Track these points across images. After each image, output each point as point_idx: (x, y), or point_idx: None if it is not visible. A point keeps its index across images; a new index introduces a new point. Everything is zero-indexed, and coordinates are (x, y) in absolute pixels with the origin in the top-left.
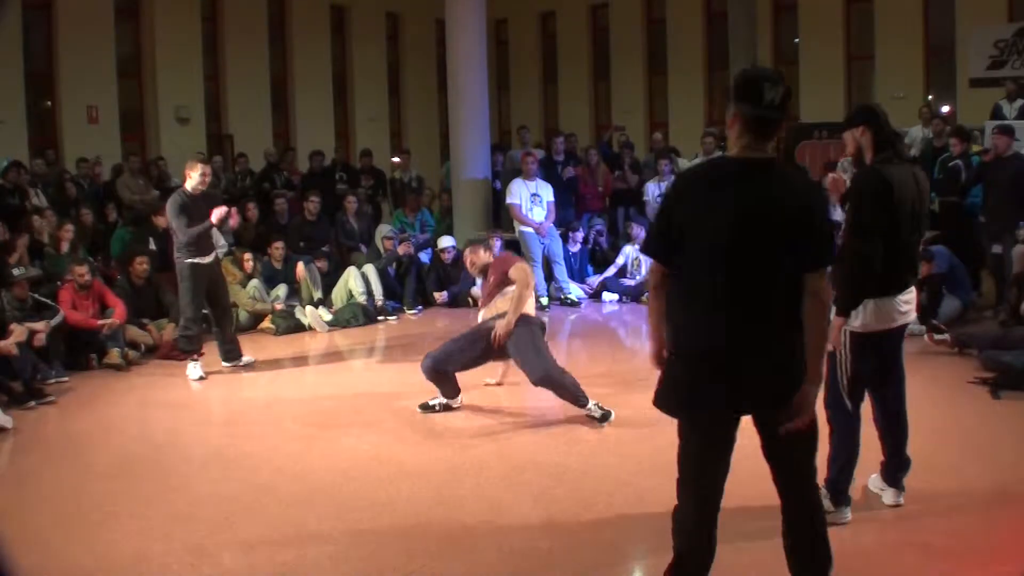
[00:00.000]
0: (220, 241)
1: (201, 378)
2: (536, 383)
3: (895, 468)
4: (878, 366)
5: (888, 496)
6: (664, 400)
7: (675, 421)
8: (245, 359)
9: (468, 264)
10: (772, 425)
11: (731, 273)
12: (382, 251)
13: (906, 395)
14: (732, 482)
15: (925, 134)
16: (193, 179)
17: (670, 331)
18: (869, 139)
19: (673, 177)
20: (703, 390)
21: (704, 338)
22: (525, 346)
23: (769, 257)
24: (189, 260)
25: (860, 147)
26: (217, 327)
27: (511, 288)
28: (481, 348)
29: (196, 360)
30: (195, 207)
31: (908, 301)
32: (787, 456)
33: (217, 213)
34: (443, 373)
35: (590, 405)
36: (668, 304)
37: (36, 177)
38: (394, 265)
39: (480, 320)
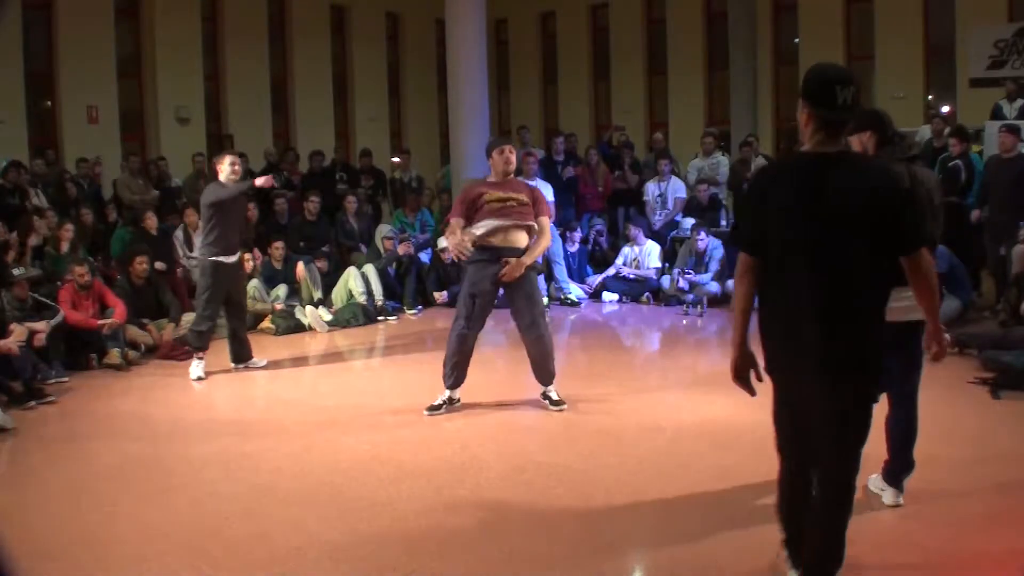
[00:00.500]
0: None
1: (200, 378)
2: (548, 338)
3: (899, 469)
4: (900, 362)
5: (888, 496)
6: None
7: (671, 420)
8: (255, 361)
9: (504, 160)
10: (840, 407)
11: (817, 265)
12: (382, 251)
13: (919, 399)
14: (734, 492)
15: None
16: (224, 171)
17: (761, 317)
18: (874, 143)
19: (673, 176)
20: (792, 375)
21: (791, 328)
22: (537, 294)
23: (853, 247)
24: (213, 258)
25: (866, 150)
26: (230, 327)
27: (523, 223)
28: (492, 292)
29: (200, 359)
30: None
31: (907, 296)
32: (836, 443)
33: (261, 180)
34: (471, 346)
35: (554, 386)
36: (759, 293)
37: (36, 177)
38: (394, 265)
39: (479, 233)
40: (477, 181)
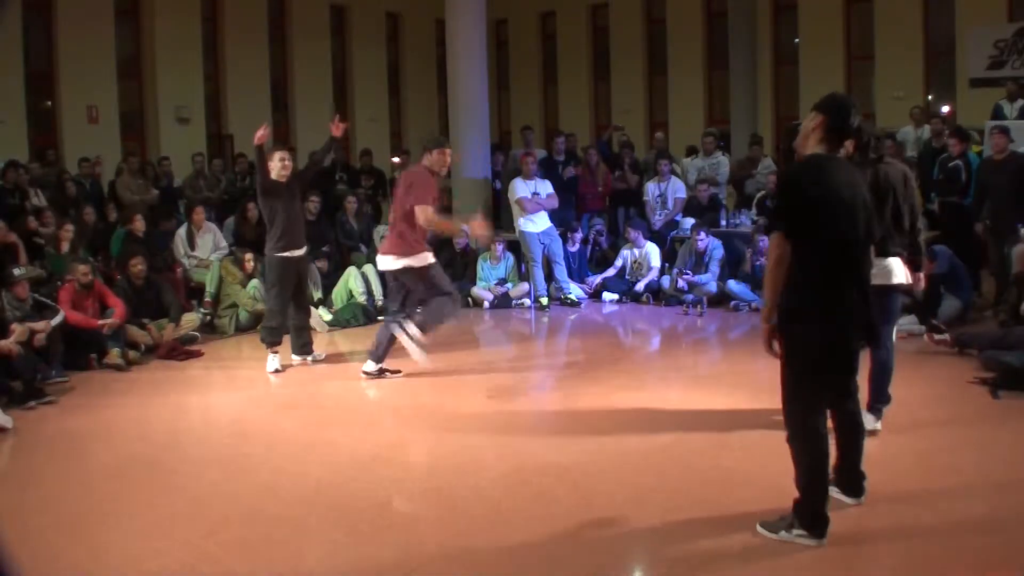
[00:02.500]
0: (222, 243)
1: (277, 371)
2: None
3: (880, 401)
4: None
5: (870, 422)
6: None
7: (671, 420)
8: (317, 355)
9: (444, 161)
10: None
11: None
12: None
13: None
14: (734, 491)
15: (918, 134)
16: (274, 168)
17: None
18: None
19: (673, 176)
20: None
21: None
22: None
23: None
24: (278, 254)
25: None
26: (295, 321)
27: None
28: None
29: (276, 353)
30: (279, 191)
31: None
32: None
33: (258, 135)
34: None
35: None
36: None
37: (35, 178)
38: None
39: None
40: (428, 171)
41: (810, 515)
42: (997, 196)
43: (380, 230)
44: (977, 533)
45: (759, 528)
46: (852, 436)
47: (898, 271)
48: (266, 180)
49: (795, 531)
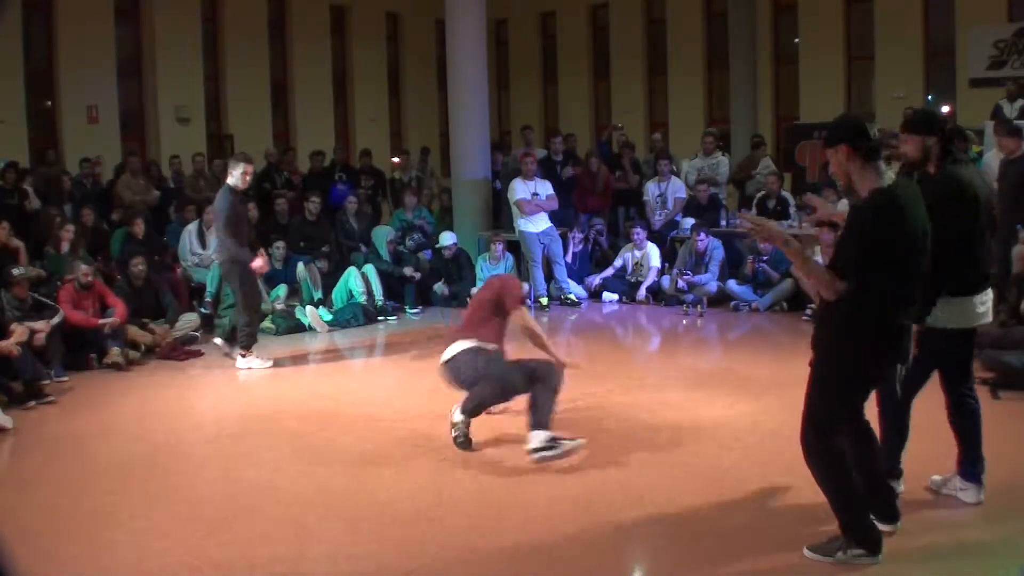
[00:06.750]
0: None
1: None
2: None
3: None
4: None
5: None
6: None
7: (671, 420)
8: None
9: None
10: None
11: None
12: (385, 255)
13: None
14: (733, 492)
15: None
16: (234, 177)
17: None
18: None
19: (673, 176)
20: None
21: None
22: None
23: None
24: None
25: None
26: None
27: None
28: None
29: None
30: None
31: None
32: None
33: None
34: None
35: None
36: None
37: (36, 179)
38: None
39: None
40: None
41: (859, 531)
42: (1003, 196)
43: (385, 232)
44: (979, 534)
45: (808, 553)
46: (869, 449)
47: None
48: None
49: (851, 551)
